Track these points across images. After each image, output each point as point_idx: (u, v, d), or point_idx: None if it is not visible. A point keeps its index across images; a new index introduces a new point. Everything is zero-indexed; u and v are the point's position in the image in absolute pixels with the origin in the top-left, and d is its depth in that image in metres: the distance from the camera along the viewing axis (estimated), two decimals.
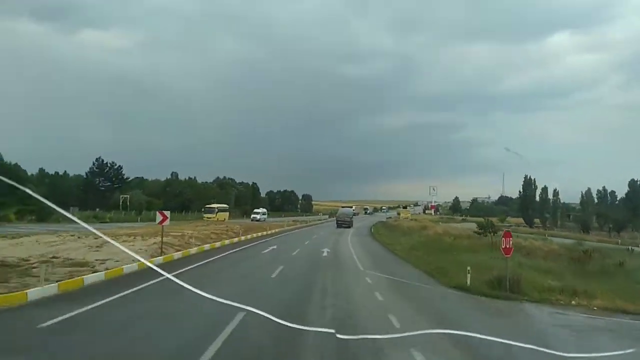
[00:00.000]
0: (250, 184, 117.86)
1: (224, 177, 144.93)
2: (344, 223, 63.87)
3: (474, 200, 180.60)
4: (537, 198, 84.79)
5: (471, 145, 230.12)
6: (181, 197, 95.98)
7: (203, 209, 70.62)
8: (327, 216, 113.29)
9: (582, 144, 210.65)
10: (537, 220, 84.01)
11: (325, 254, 25.83)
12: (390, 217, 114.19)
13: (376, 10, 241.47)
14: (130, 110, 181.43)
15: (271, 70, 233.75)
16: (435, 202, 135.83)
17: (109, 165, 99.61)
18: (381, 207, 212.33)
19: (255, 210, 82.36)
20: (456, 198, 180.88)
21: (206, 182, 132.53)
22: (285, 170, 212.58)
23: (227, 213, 73.00)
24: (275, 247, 28.78)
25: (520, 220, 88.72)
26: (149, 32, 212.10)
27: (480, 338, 6.87)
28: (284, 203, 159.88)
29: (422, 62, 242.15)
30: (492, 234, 30.30)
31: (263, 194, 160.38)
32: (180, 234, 30.07)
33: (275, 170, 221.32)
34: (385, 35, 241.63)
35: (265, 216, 76.32)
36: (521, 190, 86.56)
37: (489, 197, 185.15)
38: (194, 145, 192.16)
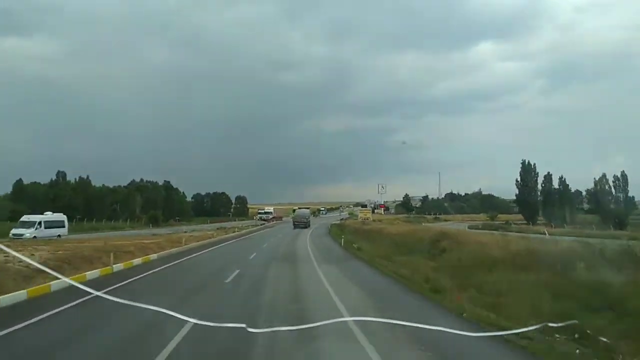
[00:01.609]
0: (162, 183, 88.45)
1: (141, 180, 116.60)
2: (300, 223, 65.67)
3: (425, 198, 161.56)
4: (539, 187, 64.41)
5: (406, 148, 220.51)
6: (59, 203, 66.69)
7: None
8: (264, 222, 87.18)
9: (507, 144, 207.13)
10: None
11: None
12: (343, 219, 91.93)
13: (310, 19, 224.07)
14: (49, 117, 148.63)
15: (206, 78, 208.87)
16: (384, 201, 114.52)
17: None
18: (319, 209, 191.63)
19: (23, 218, 37.82)
20: (406, 195, 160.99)
21: (119, 185, 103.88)
22: (220, 175, 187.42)
23: None
24: None
25: (509, 217, 68.37)
26: (74, 41, 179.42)
27: None
28: (215, 207, 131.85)
29: (356, 69, 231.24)
30: None
31: (189, 197, 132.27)
32: None
33: (209, 176, 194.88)
34: (319, 43, 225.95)
35: (51, 231, 35.27)
36: (518, 179, 66.06)
37: (425, 196, 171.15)
38: (118, 153, 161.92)
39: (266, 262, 20.43)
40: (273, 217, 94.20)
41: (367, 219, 68.03)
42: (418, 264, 19.57)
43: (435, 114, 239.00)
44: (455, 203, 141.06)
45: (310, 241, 36.30)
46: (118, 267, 16.59)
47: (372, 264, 21.08)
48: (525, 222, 60.93)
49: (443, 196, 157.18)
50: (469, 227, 55.00)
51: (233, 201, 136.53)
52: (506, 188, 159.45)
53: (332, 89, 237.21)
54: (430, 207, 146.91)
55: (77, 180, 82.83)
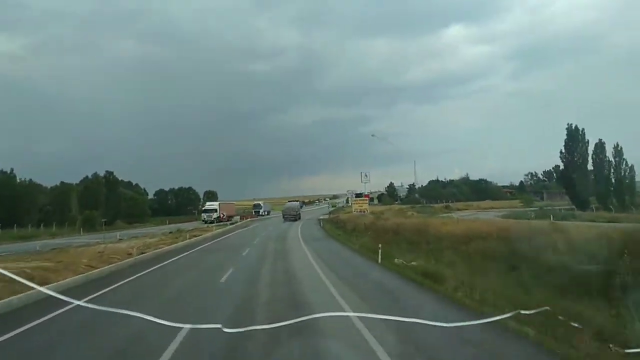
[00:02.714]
0: (104, 174, 69.39)
1: (94, 175, 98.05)
2: (290, 216, 64.34)
3: (412, 186, 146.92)
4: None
5: (382, 137, 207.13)
6: None
7: None
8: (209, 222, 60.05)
9: (481, 130, 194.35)
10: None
11: None
12: (330, 212, 76.24)
13: (279, 5, 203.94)
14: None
15: (172, 68, 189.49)
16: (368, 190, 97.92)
17: None
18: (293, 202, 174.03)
19: None
20: (391, 184, 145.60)
21: (63, 182, 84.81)
22: (189, 172, 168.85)
23: None
24: None
25: (540, 203, 53.08)
26: (36, 36, 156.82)
27: None
28: (182, 204, 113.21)
29: (327, 58, 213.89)
30: None
31: (151, 195, 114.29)
32: None
33: (176, 172, 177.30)
34: (289, 31, 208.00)
35: None
36: (563, 150, 49.93)
37: (402, 184, 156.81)
38: (79, 150, 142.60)
39: None
40: (220, 216, 64.50)
41: (365, 212, 52.23)
42: None
43: (407, 102, 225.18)
44: (447, 190, 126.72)
45: (312, 252, 19.82)
46: None
47: None
48: (572, 207, 45.61)
49: (426, 183, 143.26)
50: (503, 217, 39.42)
51: (201, 197, 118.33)
52: (489, 174, 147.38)
53: (304, 78, 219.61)
54: (425, 195, 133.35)
55: None
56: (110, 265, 16.30)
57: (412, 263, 15.37)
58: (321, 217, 61.98)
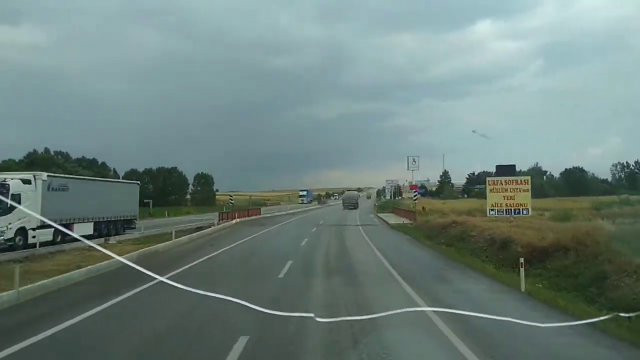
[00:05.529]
0: None
1: (46, 151, 69.96)
2: (350, 205, 68.35)
3: (471, 175, 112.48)
4: None
5: (404, 132, 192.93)
6: None
7: None
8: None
9: (507, 127, 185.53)
10: None
11: None
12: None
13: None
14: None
15: (197, 63, 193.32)
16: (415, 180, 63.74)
17: None
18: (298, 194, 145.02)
19: None
20: (445, 173, 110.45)
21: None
22: (207, 161, 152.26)
23: None
24: None
25: None
26: (64, 29, 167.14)
27: None
28: (165, 190, 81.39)
29: (351, 53, 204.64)
30: None
31: (122, 174, 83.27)
32: None
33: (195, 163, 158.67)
34: (312, 25, 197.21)
35: None
36: None
37: (428, 180, 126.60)
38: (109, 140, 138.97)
39: None
40: None
41: (523, 211, 20.26)
42: None
43: (432, 99, 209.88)
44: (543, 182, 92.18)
45: None
46: None
47: None
48: None
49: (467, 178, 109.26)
50: None
51: (191, 182, 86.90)
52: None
53: (328, 73, 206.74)
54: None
55: None
56: None
57: None
58: (381, 220, 30.34)
